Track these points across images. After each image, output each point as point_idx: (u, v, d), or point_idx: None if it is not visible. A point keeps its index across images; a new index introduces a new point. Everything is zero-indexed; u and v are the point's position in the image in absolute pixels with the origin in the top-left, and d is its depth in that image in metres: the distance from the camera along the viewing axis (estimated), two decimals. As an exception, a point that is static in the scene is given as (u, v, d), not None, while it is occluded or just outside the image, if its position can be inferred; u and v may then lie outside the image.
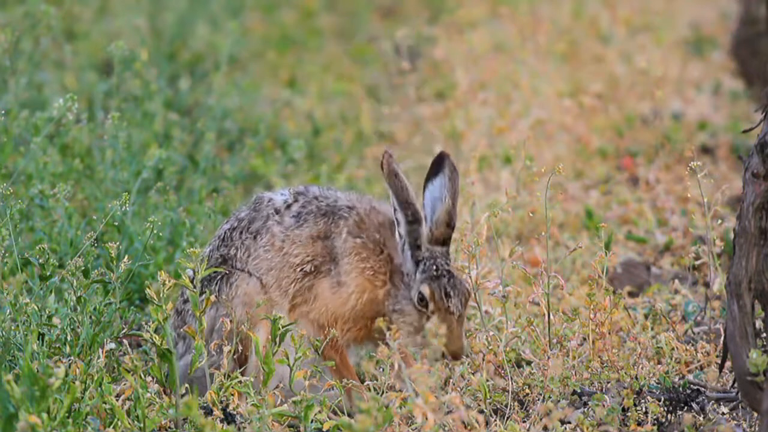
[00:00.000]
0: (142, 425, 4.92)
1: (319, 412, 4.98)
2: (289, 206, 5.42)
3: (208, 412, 5.08)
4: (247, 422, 5.00)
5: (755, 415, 4.97)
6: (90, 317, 5.39)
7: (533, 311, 6.00)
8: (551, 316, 5.59)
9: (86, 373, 5.03)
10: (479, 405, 5.33)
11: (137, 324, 5.88)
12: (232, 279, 5.35)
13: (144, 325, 5.53)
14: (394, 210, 5.25)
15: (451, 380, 5.55)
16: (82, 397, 4.93)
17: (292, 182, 7.91)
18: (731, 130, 9.20)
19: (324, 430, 4.89)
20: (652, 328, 5.83)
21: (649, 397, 5.29)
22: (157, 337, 5.03)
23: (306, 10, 12.99)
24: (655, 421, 5.18)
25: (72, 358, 5.29)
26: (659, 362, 5.62)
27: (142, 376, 4.99)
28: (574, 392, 5.34)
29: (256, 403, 4.94)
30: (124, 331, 5.63)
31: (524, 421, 5.21)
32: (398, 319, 5.27)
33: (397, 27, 10.62)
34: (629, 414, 5.17)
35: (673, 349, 5.63)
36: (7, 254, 5.48)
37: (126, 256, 5.40)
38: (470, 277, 5.65)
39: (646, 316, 6.07)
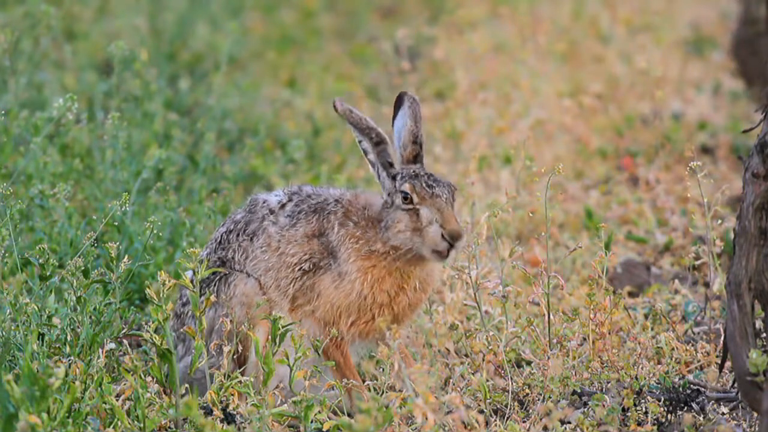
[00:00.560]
0: (142, 425, 4.92)
1: (319, 412, 4.98)
2: (283, 206, 5.44)
3: (208, 412, 5.08)
4: (247, 422, 5.00)
5: (755, 415, 4.97)
6: (90, 317, 5.39)
7: (533, 311, 6.00)
8: (551, 316, 5.59)
9: (86, 373, 5.03)
10: (479, 405, 5.33)
11: (137, 324, 5.88)
12: (230, 279, 5.35)
13: (144, 325, 5.54)
14: (359, 142, 5.40)
15: (451, 380, 5.55)
16: (82, 397, 4.93)
17: (293, 182, 7.91)
18: (731, 130, 9.20)
19: (324, 430, 4.89)
20: (652, 328, 5.83)
21: (649, 397, 5.29)
22: (157, 337, 5.03)
23: (306, 10, 12.99)
24: (655, 421, 5.18)
25: (72, 358, 5.29)
26: (659, 362, 5.62)
27: (142, 376, 4.99)
28: (574, 392, 5.34)
29: (256, 403, 4.94)
30: (124, 331, 5.63)
31: (524, 421, 5.21)
32: (394, 233, 5.30)
33: (397, 27, 10.62)
34: (629, 414, 5.17)
35: (673, 349, 5.63)
36: (7, 254, 5.48)
37: (126, 256, 5.40)
38: (470, 277, 5.66)
39: (646, 316, 6.07)
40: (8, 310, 5.36)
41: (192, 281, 5.13)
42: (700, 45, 11.81)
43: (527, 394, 5.41)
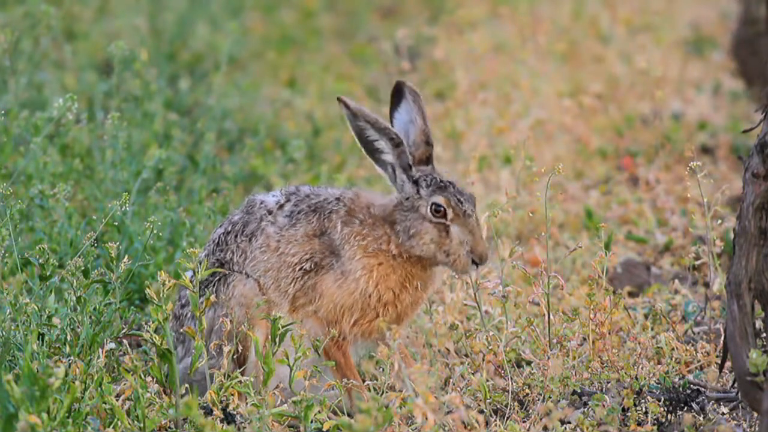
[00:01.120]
0: (142, 425, 4.92)
1: (319, 412, 4.98)
2: (281, 206, 5.42)
3: (208, 412, 5.08)
4: (247, 422, 5.00)
5: (755, 415, 4.97)
6: (90, 317, 5.39)
7: (533, 311, 6.00)
8: (551, 316, 5.59)
9: (86, 373, 5.03)
10: (479, 405, 5.33)
11: (137, 324, 5.88)
12: (228, 280, 5.35)
13: (144, 325, 5.53)
14: (372, 143, 5.31)
15: (451, 380, 5.55)
16: (82, 397, 4.93)
17: (292, 182, 7.91)
18: (731, 130, 9.20)
19: (324, 430, 4.89)
20: (652, 328, 5.83)
21: (649, 397, 5.29)
22: (157, 337, 5.02)
23: (306, 10, 12.99)
24: (655, 421, 5.18)
25: (72, 358, 5.29)
26: (659, 362, 5.62)
27: (142, 376, 4.99)
28: (574, 392, 5.34)
29: (256, 403, 4.94)
30: (124, 331, 5.63)
31: (524, 421, 5.21)
32: (418, 242, 5.29)
33: (397, 27, 10.62)
34: (629, 414, 5.17)
35: (673, 349, 5.63)
36: (7, 254, 5.48)
37: (126, 256, 5.40)
38: (470, 277, 5.66)
39: (646, 316, 6.07)
40: (8, 310, 5.36)
41: (192, 281, 5.13)
42: (700, 45, 11.81)
43: (527, 394, 5.41)
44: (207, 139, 7.67)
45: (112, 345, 5.50)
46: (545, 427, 5.03)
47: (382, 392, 5.19)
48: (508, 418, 5.27)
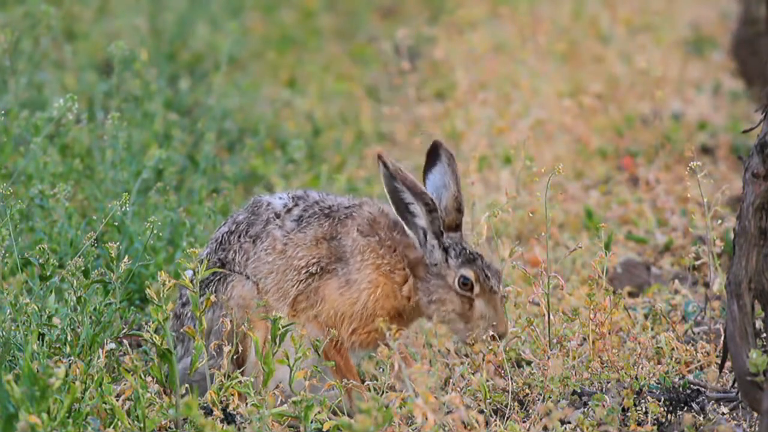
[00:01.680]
0: (142, 425, 4.92)
1: (319, 412, 4.98)
2: (289, 210, 5.40)
3: (208, 412, 5.08)
4: (247, 422, 5.00)
5: (755, 415, 4.97)
6: (90, 317, 5.39)
7: (533, 311, 6.00)
8: (551, 316, 5.59)
9: (86, 373, 5.02)
10: (479, 405, 5.33)
11: (137, 324, 5.88)
12: (228, 280, 5.34)
13: (144, 326, 5.53)
14: (406, 205, 5.26)
15: (451, 380, 5.55)
16: (82, 397, 4.93)
17: (292, 182, 7.91)
18: (731, 130, 9.20)
19: (324, 430, 4.89)
20: (652, 328, 5.83)
21: (649, 397, 5.29)
22: (157, 337, 5.02)
23: (306, 10, 12.99)
24: (655, 421, 5.18)
25: (72, 358, 5.29)
26: (659, 362, 5.62)
27: (142, 376, 4.99)
28: (574, 392, 5.34)
29: (256, 403, 4.94)
30: (124, 331, 5.63)
31: (524, 421, 5.21)
32: (439, 309, 5.29)
33: (397, 27, 10.61)
34: (629, 414, 5.17)
35: (673, 349, 5.63)
36: (7, 254, 5.48)
37: (126, 256, 5.40)
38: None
39: (646, 316, 6.07)
40: (8, 310, 5.36)
41: (192, 281, 5.13)
42: (700, 45, 11.81)
43: (527, 394, 5.41)
44: (207, 139, 7.67)
45: (113, 345, 5.50)
46: (545, 427, 5.03)
47: (382, 392, 5.19)
48: (508, 418, 5.27)
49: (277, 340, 5.12)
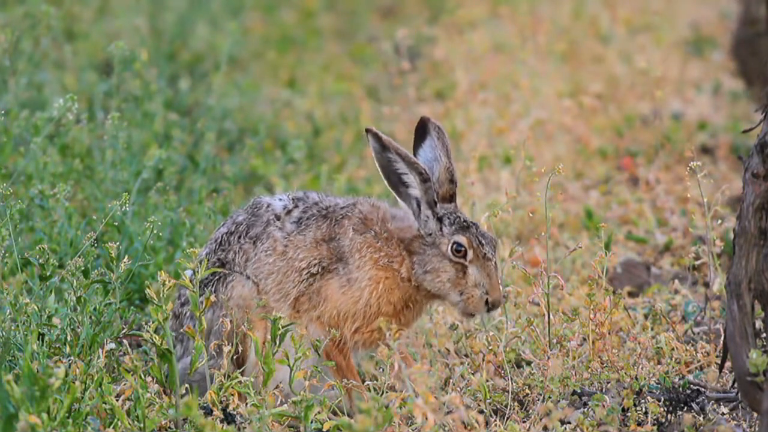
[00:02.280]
0: (142, 425, 4.92)
1: (319, 412, 4.98)
2: (289, 212, 5.40)
3: (208, 412, 5.08)
4: (247, 422, 5.00)
5: (755, 415, 4.97)
6: (90, 317, 5.39)
7: (533, 311, 6.00)
8: (551, 316, 5.59)
9: (86, 373, 5.03)
10: (479, 405, 5.33)
11: (137, 324, 5.88)
12: (227, 280, 5.34)
13: (144, 325, 5.53)
14: (399, 176, 5.28)
15: (451, 380, 5.55)
16: (82, 397, 4.93)
17: (292, 182, 7.91)
18: (731, 130, 9.20)
19: (324, 430, 4.89)
20: (652, 328, 5.83)
21: (649, 397, 5.29)
22: (157, 337, 5.02)
23: (306, 10, 12.99)
24: (655, 421, 5.18)
25: (72, 358, 5.29)
26: (659, 362, 5.62)
27: (142, 376, 4.99)
28: (574, 392, 5.34)
29: (256, 403, 4.94)
30: (124, 331, 5.62)
31: (524, 421, 5.21)
32: (434, 279, 5.28)
33: (397, 27, 10.62)
34: (629, 414, 5.17)
35: (673, 349, 5.63)
36: (7, 254, 5.48)
37: (126, 256, 5.40)
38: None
39: (646, 316, 6.07)
40: (8, 310, 5.36)
41: (191, 281, 5.13)
42: (700, 45, 11.81)
43: (527, 394, 5.41)
44: (207, 139, 7.67)
45: (112, 345, 5.50)
46: (545, 427, 5.03)
47: (382, 392, 5.19)
48: (508, 418, 5.27)
49: (277, 341, 5.12)
